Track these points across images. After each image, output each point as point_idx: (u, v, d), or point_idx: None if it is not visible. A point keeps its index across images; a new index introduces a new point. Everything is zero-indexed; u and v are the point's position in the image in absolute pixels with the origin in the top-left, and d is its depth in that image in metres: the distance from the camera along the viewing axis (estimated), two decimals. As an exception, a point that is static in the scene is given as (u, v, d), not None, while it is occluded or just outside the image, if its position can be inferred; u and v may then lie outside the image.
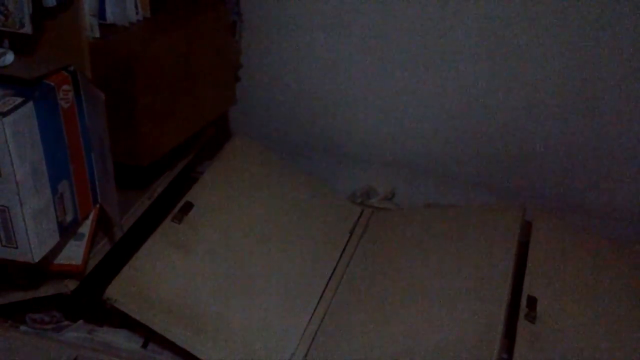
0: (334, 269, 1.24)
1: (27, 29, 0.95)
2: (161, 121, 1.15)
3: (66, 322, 1.09)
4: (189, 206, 1.19)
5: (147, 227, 1.14)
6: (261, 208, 1.28)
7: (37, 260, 0.94)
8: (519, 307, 1.06)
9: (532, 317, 1.04)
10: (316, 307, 1.16)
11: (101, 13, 1.10)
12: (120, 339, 1.05)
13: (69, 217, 0.99)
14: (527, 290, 1.08)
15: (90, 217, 1.05)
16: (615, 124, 1.30)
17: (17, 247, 0.92)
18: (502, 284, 1.09)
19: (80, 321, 1.09)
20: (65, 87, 0.95)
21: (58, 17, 1.01)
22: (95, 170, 1.04)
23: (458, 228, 1.26)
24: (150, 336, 1.05)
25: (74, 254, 1.02)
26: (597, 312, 1.09)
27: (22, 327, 1.06)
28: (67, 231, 1.00)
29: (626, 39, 1.22)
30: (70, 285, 1.01)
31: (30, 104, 0.88)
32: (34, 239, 0.92)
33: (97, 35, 1.07)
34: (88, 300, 1.08)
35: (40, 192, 0.92)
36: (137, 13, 1.15)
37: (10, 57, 0.94)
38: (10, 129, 0.85)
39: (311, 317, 1.14)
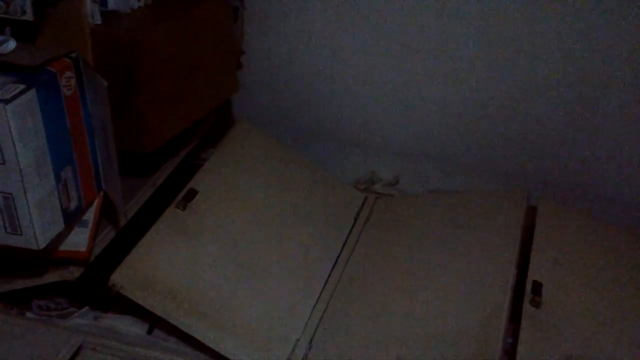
0: (338, 255, 1.24)
1: (29, 16, 0.95)
2: (164, 108, 1.15)
3: (72, 309, 1.09)
4: (192, 193, 1.19)
5: (151, 214, 1.14)
6: (265, 194, 1.28)
7: (41, 247, 0.94)
8: (524, 293, 1.06)
9: (537, 302, 1.04)
10: (321, 293, 1.16)
11: (103, 0, 1.10)
12: (126, 325, 1.05)
13: (73, 204, 1.00)
14: (532, 276, 1.08)
15: (95, 204, 1.05)
16: (619, 110, 1.30)
17: (21, 234, 0.92)
18: (506, 269, 1.09)
19: (86, 308, 1.09)
20: (67, 74, 0.95)
21: (60, 4, 1.01)
22: (98, 157, 1.04)
23: (462, 214, 1.26)
24: (155, 322, 1.05)
25: (78, 240, 1.02)
26: (602, 298, 1.09)
27: (28, 314, 1.07)
28: (71, 218, 1.00)
29: (628, 27, 1.22)
30: (75, 272, 1.02)
31: (32, 91, 0.88)
32: (38, 226, 0.92)
33: (99, 22, 1.07)
34: (93, 287, 1.08)
35: (43, 179, 0.92)
36: (138, 0, 1.15)
37: (12, 45, 0.94)
38: (13, 116, 0.85)
39: (316, 303, 1.14)
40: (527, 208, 1.22)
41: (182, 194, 1.18)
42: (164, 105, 1.15)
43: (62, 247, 1.01)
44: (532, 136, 1.37)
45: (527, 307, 1.03)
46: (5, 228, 0.92)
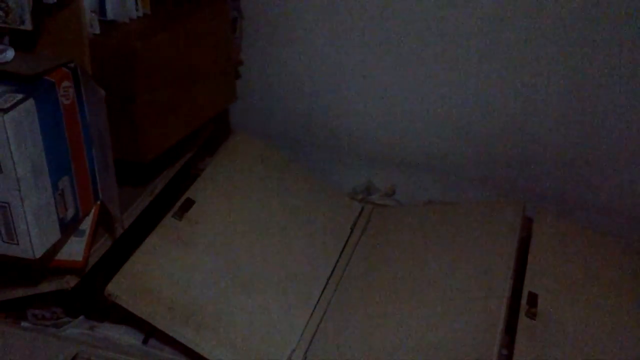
0: (335, 266, 1.24)
1: (28, 25, 0.95)
2: (162, 118, 1.15)
3: (67, 318, 1.09)
4: (189, 203, 1.19)
5: (148, 223, 1.14)
6: (262, 204, 1.28)
7: (38, 257, 0.94)
8: (519, 304, 1.06)
9: (532, 314, 1.04)
10: (317, 303, 1.16)
11: (101, 9, 1.10)
12: (121, 334, 1.05)
13: (69, 214, 1.00)
14: (527, 287, 1.08)
15: (91, 213, 1.05)
16: (616, 121, 1.30)
17: (18, 244, 0.92)
18: (502, 281, 1.09)
19: (81, 317, 1.09)
20: (65, 83, 0.95)
21: (58, 13, 1.01)
22: (96, 166, 1.04)
23: (459, 225, 1.26)
24: (151, 332, 1.05)
25: (74, 250, 1.02)
26: (598, 309, 1.09)
27: (23, 323, 1.07)
28: (68, 227, 1.00)
29: (627, 37, 1.22)
30: (71, 281, 1.01)
31: (30, 101, 0.88)
32: (35, 235, 0.92)
33: (98, 31, 1.07)
34: (89, 296, 1.08)
35: (41, 189, 0.92)
36: (137, 9, 1.15)
37: (10, 54, 0.94)
38: (11, 126, 0.85)
39: (312, 313, 1.14)
40: (523, 219, 1.23)
41: (179, 203, 1.18)
42: (162, 114, 1.15)
43: (58, 257, 1.01)
44: (529, 148, 1.37)
45: (522, 318, 1.03)
46: (2, 237, 0.92)
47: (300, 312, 1.13)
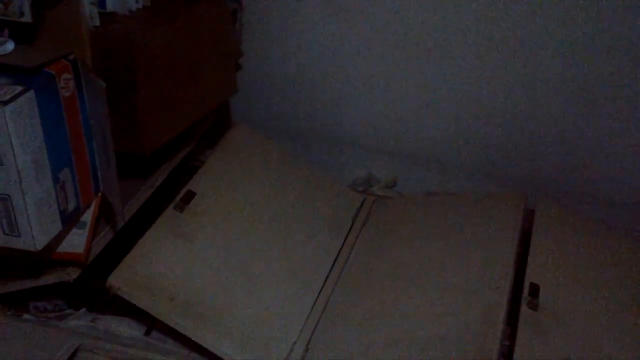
0: (336, 257, 1.24)
1: (27, 17, 0.95)
2: (162, 110, 1.15)
3: (69, 311, 1.09)
4: (190, 195, 1.19)
5: (149, 215, 1.14)
6: (263, 196, 1.28)
7: (39, 249, 0.94)
8: (521, 295, 1.06)
9: (534, 305, 1.04)
10: (318, 295, 1.16)
11: (101, 1, 1.10)
12: (123, 326, 1.05)
13: (71, 206, 1.00)
14: (529, 278, 1.08)
15: (92, 205, 1.05)
16: (617, 112, 1.30)
17: (19, 236, 0.92)
18: (504, 272, 1.09)
19: (83, 309, 1.09)
20: (65, 75, 0.95)
21: (58, 5, 1.01)
22: (96, 159, 1.04)
23: (460, 216, 1.26)
24: (152, 324, 1.05)
25: (76, 242, 1.02)
26: (599, 300, 1.09)
27: (25, 316, 1.07)
28: (69, 219, 1.00)
29: (627, 30, 1.22)
30: (73, 273, 1.01)
31: (30, 93, 0.88)
32: (36, 228, 0.92)
33: (97, 23, 1.07)
34: (91, 288, 1.08)
35: (41, 181, 0.92)
36: (137, 1, 1.15)
37: (10, 46, 0.94)
38: (11, 118, 0.85)
39: (313, 305, 1.14)
40: (525, 210, 1.23)
41: (180, 195, 1.18)
42: (162, 106, 1.15)
43: (59, 249, 1.01)
44: (531, 139, 1.37)
45: (524, 309, 1.03)
46: (3, 230, 0.92)
47: (301, 304, 1.13)
